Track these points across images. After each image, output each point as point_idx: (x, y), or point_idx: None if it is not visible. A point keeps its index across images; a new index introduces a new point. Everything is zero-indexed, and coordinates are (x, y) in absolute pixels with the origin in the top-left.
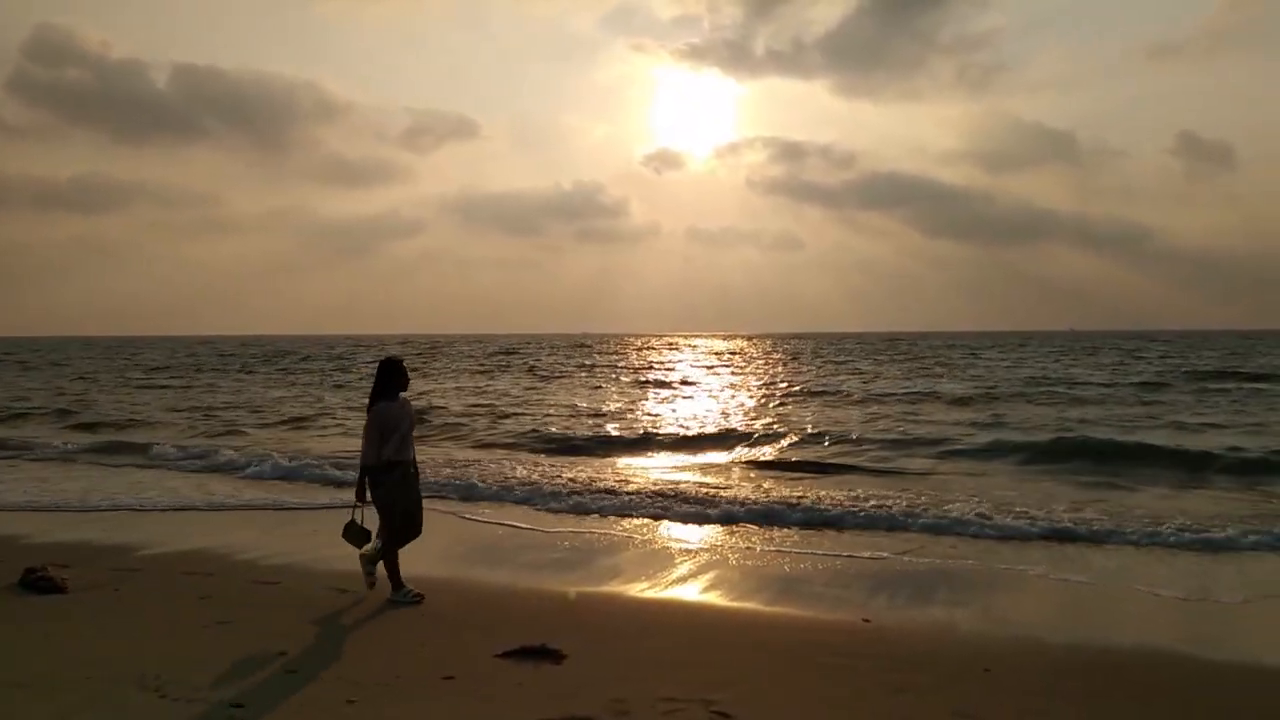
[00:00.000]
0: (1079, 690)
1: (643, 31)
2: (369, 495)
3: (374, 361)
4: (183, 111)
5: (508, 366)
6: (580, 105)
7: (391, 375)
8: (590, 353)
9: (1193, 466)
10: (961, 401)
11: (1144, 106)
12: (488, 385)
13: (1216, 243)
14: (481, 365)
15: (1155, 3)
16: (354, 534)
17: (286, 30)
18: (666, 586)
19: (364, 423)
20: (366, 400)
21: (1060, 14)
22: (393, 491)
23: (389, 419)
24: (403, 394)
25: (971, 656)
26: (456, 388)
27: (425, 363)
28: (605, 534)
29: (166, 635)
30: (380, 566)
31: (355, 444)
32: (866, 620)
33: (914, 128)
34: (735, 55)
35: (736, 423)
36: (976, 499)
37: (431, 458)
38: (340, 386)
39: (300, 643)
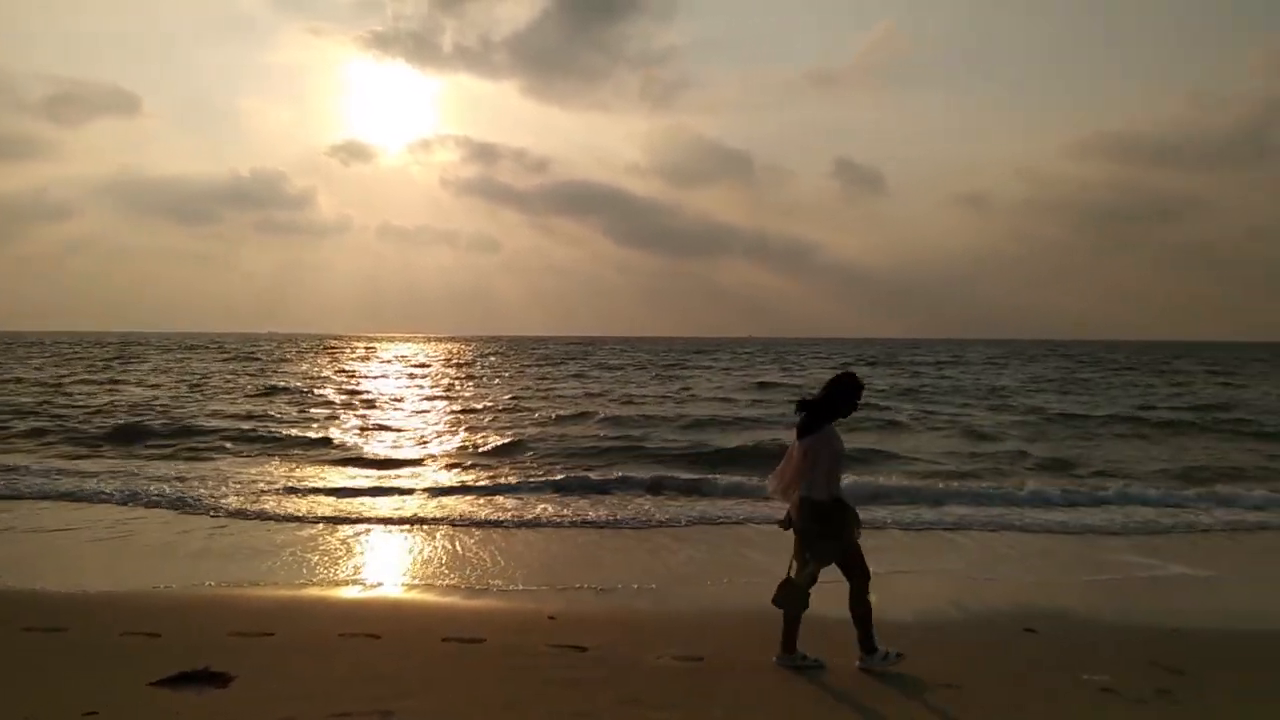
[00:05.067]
0: (746, 662)
1: (320, 15)
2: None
3: None
4: None
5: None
6: (256, 88)
7: (851, 396)
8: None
9: None
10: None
11: (809, 131)
12: None
13: (867, 259)
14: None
15: (814, 33)
16: (806, 577)
17: None
18: (357, 590)
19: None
20: (802, 421)
21: (731, 37)
22: (841, 532)
23: (842, 449)
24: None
25: (647, 644)
26: None
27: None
28: (288, 536)
29: None
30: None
31: None
32: (552, 617)
33: (603, 138)
34: (421, 47)
35: None
36: None
37: None
38: None
39: None
